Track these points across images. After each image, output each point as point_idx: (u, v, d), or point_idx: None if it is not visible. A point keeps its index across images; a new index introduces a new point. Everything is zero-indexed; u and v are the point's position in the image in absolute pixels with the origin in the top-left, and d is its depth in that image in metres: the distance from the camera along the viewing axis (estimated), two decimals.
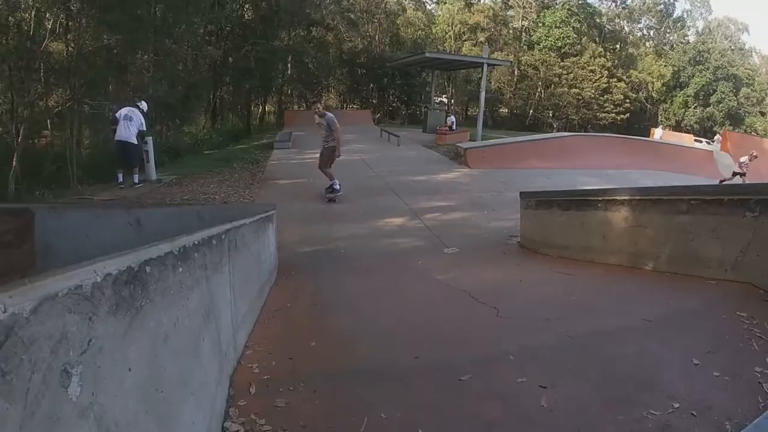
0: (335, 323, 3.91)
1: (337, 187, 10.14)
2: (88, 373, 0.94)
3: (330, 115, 10.24)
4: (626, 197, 4.96)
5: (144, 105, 11.38)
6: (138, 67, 16.93)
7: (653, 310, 3.28)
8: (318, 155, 10.50)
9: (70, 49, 13.89)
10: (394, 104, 39.10)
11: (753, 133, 43.56)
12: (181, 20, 18.79)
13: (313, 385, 2.52)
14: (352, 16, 39.69)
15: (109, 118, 11.39)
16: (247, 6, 29.85)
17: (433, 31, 44.47)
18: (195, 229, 1.92)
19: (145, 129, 11.02)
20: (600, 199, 5.40)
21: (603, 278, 4.64)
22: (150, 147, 11.49)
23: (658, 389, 2.29)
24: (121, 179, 10.92)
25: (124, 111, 10.68)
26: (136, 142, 10.72)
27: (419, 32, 43.50)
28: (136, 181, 11.01)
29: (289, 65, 35.05)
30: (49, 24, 13.58)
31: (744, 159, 16.73)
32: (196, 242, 1.91)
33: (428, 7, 48.94)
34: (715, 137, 33.40)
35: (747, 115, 49.14)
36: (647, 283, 4.19)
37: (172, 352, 1.47)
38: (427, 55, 22.97)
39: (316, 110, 10.25)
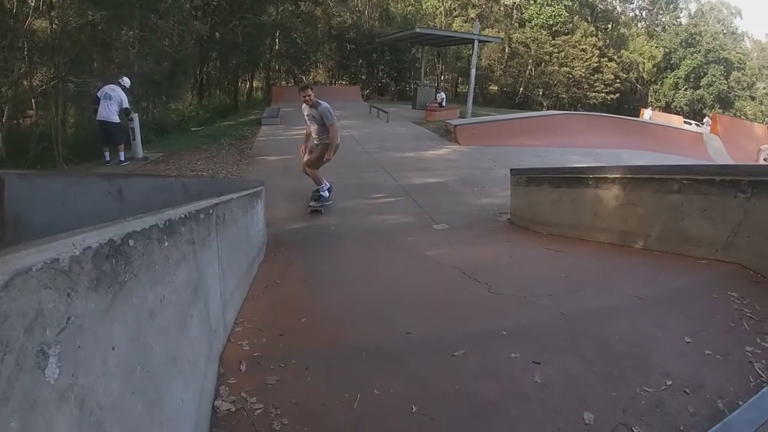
0: (326, 300, 3.88)
1: (326, 194, 7.96)
2: (68, 352, 0.88)
3: (325, 105, 7.38)
4: (617, 175, 4.94)
5: (126, 81, 11.18)
6: (123, 43, 16.64)
7: (644, 288, 3.28)
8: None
9: (54, 26, 13.59)
10: (384, 80, 38.80)
11: (743, 117, 43.92)
12: None
13: (304, 362, 2.48)
14: None
15: (94, 95, 11.16)
16: None
17: (424, 7, 43.81)
18: (181, 202, 1.86)
19: (127, 106, 10.82)
20: (591, 176, 5.37)
21: (593, 256, 4.63)
22: (136, 124, 11.29)
23: (651, 366, 2.29)
24: (107, 158, 10.83)
25: (105, 89, 10.49)
26: (117, 121, 10.53)
27: (409, 8, 42.88)
28: (122, 159, 10.86)
29: (277, 40, 34.52)
30: (32, 1, 13.22)
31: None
32: (182, 216, 1.85)
33: None
34: (705, 119, 33.48)
35: (737, 98, 49.48)
36: (638, 261, 4.19)
37: (158, 329, 1.41)
38: (417, 30, 22.62)
39: (307, 98, 7.28)
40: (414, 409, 2.06)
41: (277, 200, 8.14)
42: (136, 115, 11.45)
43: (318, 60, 38.84)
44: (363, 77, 38.49)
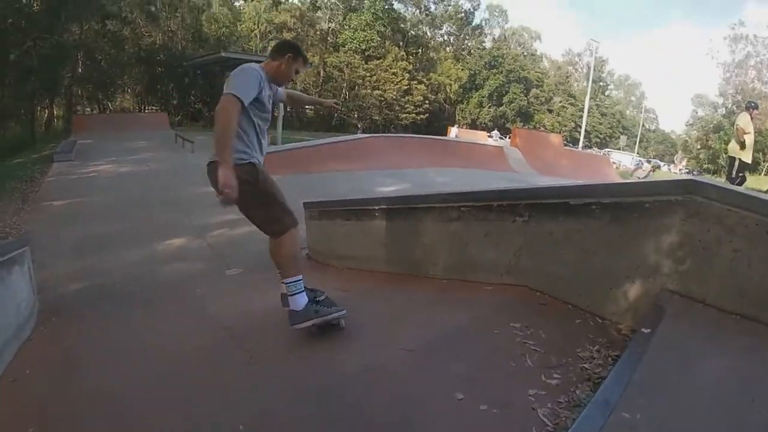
0: (86, 389, 3.40)
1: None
2: None
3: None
4: (400, 206, 5.06)
5: None
6: None
7: (417, 335, 3.24)
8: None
9: None
10: (197, 105, 37.45)
11: (542, 128, 49.26)
12: None
13: None
14: (152, 8, 37.28)
15: None
16: None
17: (239, 29, 43.43)
18: None
19: None
20: (376, 208, 5.40)
21: (377, 294, 4.63)
22: None
23: None
24: None
25: None
26: None
27: (224, 29, 42.21)
28: None
29: (79, 63, 31.91)
30: None
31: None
32: None
33: (236, 4, 47.58)
34: (493, 132, 36.77)
35: (536, 112, 55.97)
36: (423, 295, 4.21)
37: None
38: (223, 54, 22.29)
39: None
40: None
41: (60, 256, 7.34)
42: None
43: (125, 84, 36.51)
44: (174, 102, 36.86)
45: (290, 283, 3.54)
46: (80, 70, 32.50)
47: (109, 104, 35.87)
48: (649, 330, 2.45)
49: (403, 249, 5.00)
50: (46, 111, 31.99)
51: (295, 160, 14.99)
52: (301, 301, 3.51)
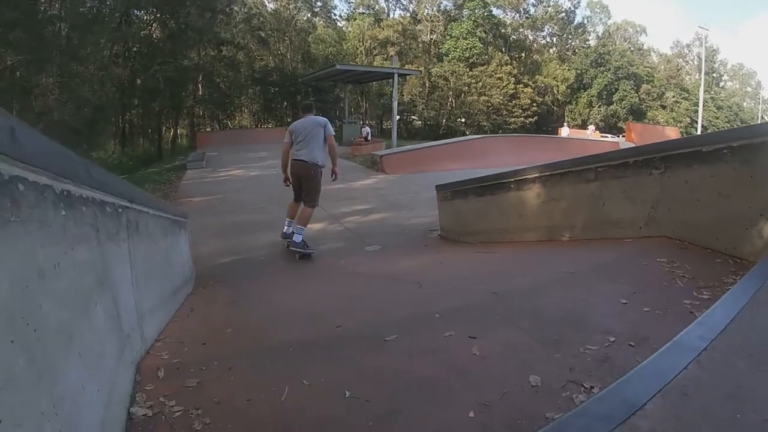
0: (253, 314, 3.74)
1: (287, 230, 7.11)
2: None
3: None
4: (536, 174, 5.10)
5: None
6: (42, 89, 15.95)
7: (574, 265, 3.34)
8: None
9: None
10: None
11: (656, 125, 46.44)
12: (88, 40, 17.89)
13: (227, 363, 2.35)
14: (262, 34, 39.44)
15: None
16: (155, 24, 28.95)
17: (345, 47, 44.72)
18: (83, 181, 1.73)
19: None
20: (512, 180, 5.50)
21: (522, 251, 4.71)
22: None
23: (591, 327, 2.29)
24: None
25: None
26: None
27: (330, 48, 43.65)
28: None
29: (199, 85, 34.23)
30: None
31: None
32: (83, 196, 1.73)
33: (339, 24, 49.31)
34: (589, 128, 35.16)
35: (649, 109, 52.74)
36: (566, 249, 4.30)
37: (50, 293, 1.29)
38: (338, 67, 23.01)
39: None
40: (347, 394, 1.96)
41: (204, 238, 7.86)
42: None
43: (242, 104, 38.64)
44: (288, 119, 38.52)
45: (300, 229, 6.66)
46: (201, 93, 34.80)
47: (228, 123, 38.03)
48: None
49: (538, 216, 5.07)
50: (171, 129, 34.53)
51: (413, 161, 15.33)
52: (299, 238, 6.60)
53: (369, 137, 22.78)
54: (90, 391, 1.50)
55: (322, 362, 2.28)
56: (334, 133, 6.94)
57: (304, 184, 6.83)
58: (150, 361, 2.41)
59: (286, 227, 7.16)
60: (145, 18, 28.49)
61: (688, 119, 52.32)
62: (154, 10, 27.64)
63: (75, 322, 1.50)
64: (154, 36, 28.85)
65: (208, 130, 35.28)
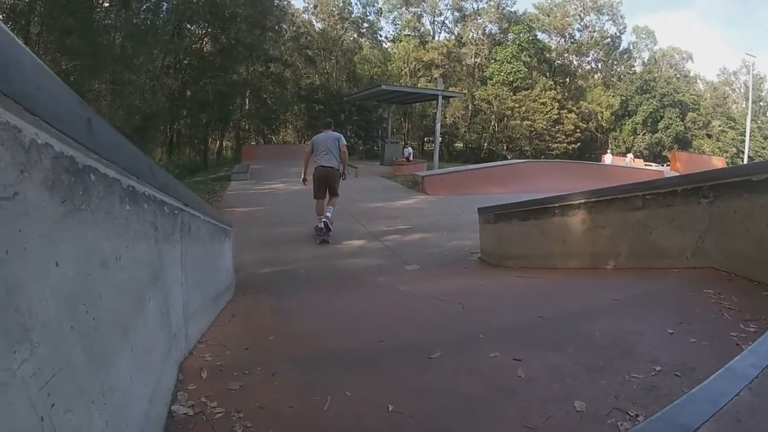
0: (295, 323, 3.75)
1: (320, 225, 8.60)
2: (6, 222, 0.81)
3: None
4: (582, 200, 5.00)
5: None
6: (95, 94, 16.53)
7: (620, 292, 3.26)
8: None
9: None
10: (351, 139, 39.30)
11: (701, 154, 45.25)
12: (141, 50, 18.52)
13: (271, 369, 2.35)
14: (309, 53, 40.33)
15: None
16: (206, 39, 29.85)
17: (389, 68, 45.17)
18: (147, 179, 1.78)
19: None
20: (557, 205, 5.42)
21: (566, 277, 4.62)
22: None
23: (637, 356, 2.22)
24: None
25: None
26: None
27: (375, 69, 44.18)
28: None
29: (247, 100, 35.01)
30: None
31: None
32: (146, 193, 1.77)
33: (385, 45, 49.90)
34: (628, 156, 34.36)
35: (694, 138, 51.41)
36: (611, 276, 4.19)
37: (110, 284, 1.31)
38: (383, 87, 23.24)
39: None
40: (390, 408, 1.93)
41: (246, 248, 7.97)
42: None
43: (287, 120, 39.30)
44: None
45: (330, 209, 8.73)
46: (248, 107, 35.57)
47: (273, 137, 38.65)
48: None
49: (583, 242, 4.97)
50: (217, 141, 35.34)
51: (455, 182, 15.33)
52: (330, 214, 8.67)
53: (411, 158, 22.90)
54: (138, 386, 1.51)
55: (365, 375, 2.26)
56: (346, 143, 9.07)
57: (329, 182, 8.84)
58: (193, 361, 2.43)
59: (319, 223, 8.65)
60: (196, 32, 29.49)
61: (734, 149, 50.85)
62: (206, 24, 28.56)
63: (130, 316, 1.52)
64: (205, 50, 29.76)
65: (252, 143, 35.92)
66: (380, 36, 49.93)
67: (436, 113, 23.05)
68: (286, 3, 36.69)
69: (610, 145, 49.74)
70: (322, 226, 8.52)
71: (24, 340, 0.83)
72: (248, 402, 2.00)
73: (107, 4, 20.55)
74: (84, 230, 1.14)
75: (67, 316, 1.02)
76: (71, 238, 1.07)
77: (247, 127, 37.33)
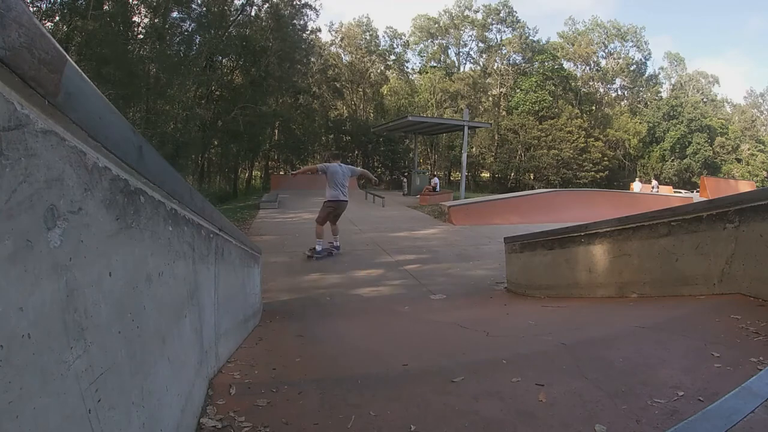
0: (321, 347, 3.82)
1: (319, 248, 9.49)
2: (70, 235, 0.90)
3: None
4: (608, 229, 4.99)
5: None
6: (130, 122, 16.99)
7: (645, 319, 3.24)
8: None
9: None
10: (379, 169, 39.67)
11: (731, 179, 44.32)
12: (174, 80, 19.08)
13: (297, 388, 2.42)
14: (337, 85, 41.05)
15: None
16: (237, 71, 30.66)
17: (416, 100, 45.69)
18: (187, 204, 1.90)
19: None
20: (582, 234, 5.41)
21: (591, 305, 4.61)
22: None
23: (660, 382, 2.23)
24: None
25: None
26: None
27: (402, 100, 44.78)
28: None
29: (276, 130, 35.65)
30: None
31: None
32: (186, 217, 1.89)
33: (411, 77, 50.49)
34: (653, 183, 33.75)
35: (723, 163, 50.43)
36: (637, 304, 4.17)
37: (153, 298, 1.42)
38: (410, 118, 23.57)
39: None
40: (413, 428, 1.98)
41: (273, 275, 8.11)
42: None
43: (315, 150, 39.86)
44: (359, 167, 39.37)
45: (336, 239, 9.97)
46: (277, 137, 36.24)
47: (300, 167, 39.10)
48: None
49: (609, 271, 4.94)
50: (247, 170, 36.00)
51: (480, 213, 15.30)
52: (337, 244, 9.94)
53: (437, 188, 23.01)
54: (172, 394, 1.60)
55: (388, 396, 2.32)
56: (358, 169, 11.21)
57: (340, 213, 9.96)
58: (222, 378, 2.52)
59: (318, 246, 9.49)
60: (227, 64, 30.31)
61: (765, 172, 49.92)
62: (237, 57, 29.37)
63: (168, 328, 1.62)
64: (236, 82, 30.57)
65: (281, 173, 36.48)
66: (407, 68, 50.73)
67: (462, 144, 23.19)
68: (314, 37, 37.59)
69: (638, 172, 49.17)
70: (319, 249, 9.44)
71: (79, 338, 0.93)
72: (274, 418, 2.08)
73: (142, 36, 21.51)
74: (133, 246, 1.25)
75: (116, 322, 1.13)
76: (122, 252, 1.18)
77: (276, 156, 37.97)
